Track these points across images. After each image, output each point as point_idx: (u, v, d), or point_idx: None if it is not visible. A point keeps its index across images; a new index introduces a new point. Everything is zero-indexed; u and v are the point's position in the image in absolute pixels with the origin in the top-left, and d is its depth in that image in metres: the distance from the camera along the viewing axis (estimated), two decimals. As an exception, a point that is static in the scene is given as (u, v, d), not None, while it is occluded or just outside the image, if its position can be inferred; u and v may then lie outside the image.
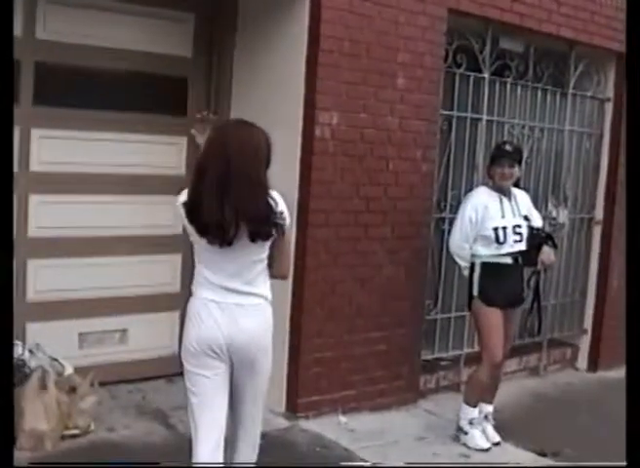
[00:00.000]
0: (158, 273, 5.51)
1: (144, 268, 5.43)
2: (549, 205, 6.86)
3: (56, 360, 4.83)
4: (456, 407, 5.58)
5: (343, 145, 5.16)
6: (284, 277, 3.62)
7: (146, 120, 5.30)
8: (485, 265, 5.06)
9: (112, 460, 4.32)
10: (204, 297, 3.37)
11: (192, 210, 3.27)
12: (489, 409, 5.32)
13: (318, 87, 4.98)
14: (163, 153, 5.39)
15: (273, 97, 5.18)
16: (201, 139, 3.74)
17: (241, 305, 3.36)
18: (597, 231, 7.36)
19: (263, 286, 3.43)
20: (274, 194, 3.35)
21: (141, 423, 4.95)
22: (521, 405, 6.13)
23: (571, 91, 6.92)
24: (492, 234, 5.01)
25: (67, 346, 5.12)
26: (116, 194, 5.25)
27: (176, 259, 5.56)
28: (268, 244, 3.36)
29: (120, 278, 5.33)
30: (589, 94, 7.15)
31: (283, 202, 3.36)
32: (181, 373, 3.48)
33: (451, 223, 5.97)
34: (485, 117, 6.23)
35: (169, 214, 5.39)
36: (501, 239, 5.01)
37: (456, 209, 5.99)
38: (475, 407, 5.21)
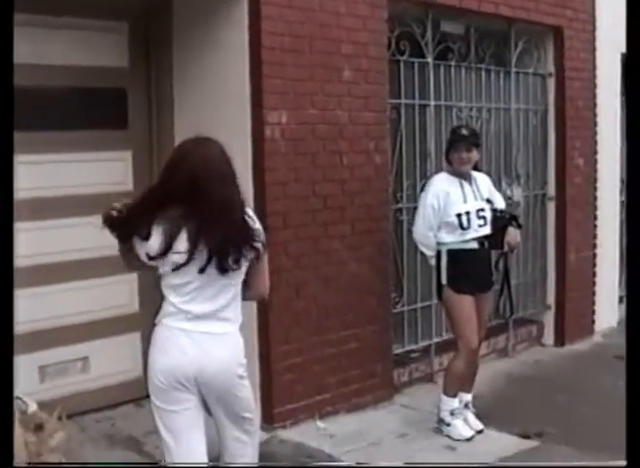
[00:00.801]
0: (114, 295, 5.29)
1: (100, 291, 5.20)
2: (503, 184, 6.81)
3: (18, 398, 4.59)
4: (431, 398, 5.56)
5: (295, 144, 5.01)
6: (262, 296, 3.46)
7: (87, 137, 5.06)
8: (451, 252, 4.97)
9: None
10: (171, 326, 3.17)
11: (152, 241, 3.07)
12: (468, 397, 5.24)
13: (264, 86, 4.82)
14: (108, 170, 5.17)
15: (218, 102, 5.00)
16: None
17: (212, 334, 3.16)
18: (551, 207, 7.35)
19: (235, 311, 3.24)
20: (250, 211, 3.20)
21: (115, 453, 4.73)
22: (496, 388, 6.07)
23: (513, 69, 6.88)
24: (455, 220, 4.92)
25: (28, 381, 4.86)
26: (63, 217, 5.01)
27: (131, 278, 5.33)
28: (245, 267, 3.18)
29: (76, 304, 5.09)
30: (531, 70, 7.13)
31: (257, 221, 3.22)
32: (149, 396, 3.27)
33: (408, 214, 5.94)
34: (432, 102, 6.14)
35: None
36: (465, 224, 4.92)
37: (412, 198, 5.97)
38: (455, 397, 5.13)
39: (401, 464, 4.70)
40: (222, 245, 3.03)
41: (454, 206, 4.93)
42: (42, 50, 4.82)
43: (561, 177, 7.23)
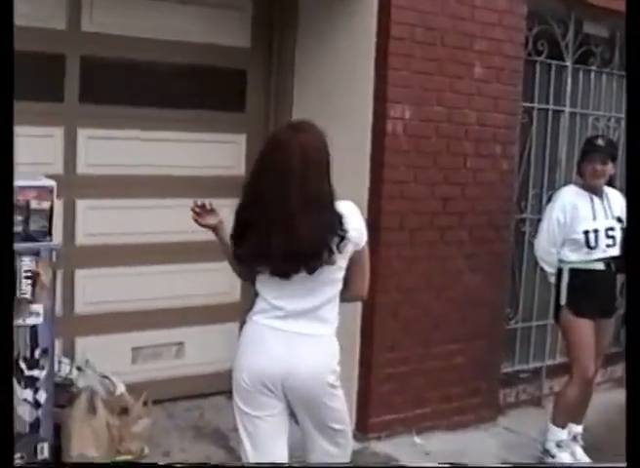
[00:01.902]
0: (216, 282, 5.10)
1: (201, 277, 5.04)
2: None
3: (106, 377, 4.47)
4: (537, 423, 5.21)
5: (417, 141, 4.72)
6: (360, 297, 3.20)
7: (202, 117, 4.91)
8: (574, 272, 4.59)
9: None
10: (261, 323, 2.97)
11: (239, 235, 2.95)
12: (578, 429, 4.86)
13: (389, 78, 4.54)
14: (221, 152, 5.00)
15: (340, 90, 4.76)
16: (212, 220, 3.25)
17: (303, 335, 2.94)
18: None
19: (332, 312, 2.99)
20: (344, 207, 2.91)
21: (199, 446, 4.58)
22: (608, 421, 5.61)
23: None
24: (582, 238, 4.54)
25: (120, 362, 4.77)
26: (170, 197, 4.86)
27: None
28: (344, 261, 2.93)
29: (175, 287, 4.95)
30: (678, 82, 6.59)
31: (357, 215, 2.95)
32: None
33: (532, 225, 5.59)
34: (568, 109, 5.75)
35: (228, 217, 5.06)
36: (593, 243, 4.53)
37: (537, 209, 5.62)
38: (564, 427, 4.75)
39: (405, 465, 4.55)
40: (313, 244, 2.80)
41: (582, 222, 4.56)
42: (162, 24, 4.68)
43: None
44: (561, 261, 4.65)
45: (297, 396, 2.96)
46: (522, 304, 5.75)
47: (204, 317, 5.10)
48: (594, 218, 4.58)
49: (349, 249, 2.90)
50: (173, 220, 4.87)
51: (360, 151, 4.59)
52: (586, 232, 4.54)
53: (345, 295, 3.04)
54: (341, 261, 2.91)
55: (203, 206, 3.17)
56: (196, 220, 3.21)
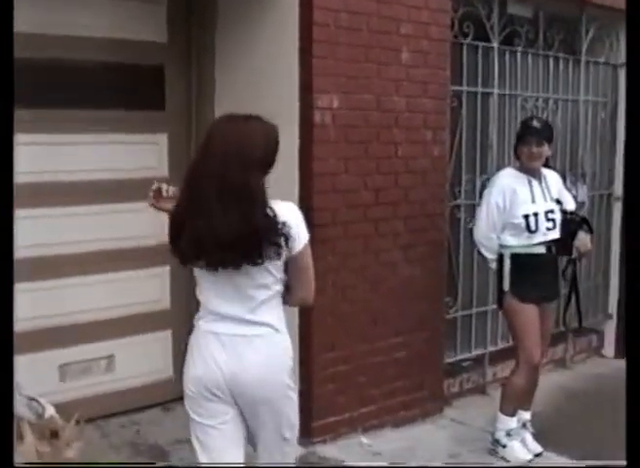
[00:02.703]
0: (145, 289, 4.88)
1: (129, 285, 4.80)
2: (568, 182, 6.26)
3: (34, 399, 4.17)
4: (484, 412, 5.17)
5: (346, 131, 4.54)
6: (305, 302, 3.03)
7: (119, 117, 4.64)
8: (516, 257, 4.49)
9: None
10: (202, 329, 2.86)
11: (172, 227, 2.81)
12: (527, 416, 4.79)
13: (315, 67, 4.35)
14: (142, 154, 4.74)
15: (264, 83, 4.55)
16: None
17: (245, 336, 2.81)
18: (617, 208, 6.82)
19: (270, 314, 2.85)
20: (281, 208, 2.76)
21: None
22: (555, 405, 5.57)
23: (583, 58, 6.37)
24: (522, 222, 4.44)
25: (48, 381, 4.48)
26: (93, 204, 4.61)
27: (164, 272, 4.94)
28: (276, 266, 2.78)
29: (102, 298, 4.70)
30: (602, 60, 6.60)
31: (293, 217, 2.79)
32: (179, 399, 3.02)
33: (466, 211, 5.50)
34: (496, 91, 5.65)
35: (152, 221, 4.80)
36: (533, 227, 4.43)
37: (471, 194, 5.52)
38: (513, 416, 4.65)
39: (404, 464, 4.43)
40: (231, 238, 2.66)
41: (521, 206, 4.45)
42: (72, 20, 4.39)
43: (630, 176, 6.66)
44: (502, 247, 4.54)
45: (246, 402, 2.83)
46: (461, 292, 5.64)
47: (134, 327, 4.85)
48: (533, 201, 4.48)
49: (281, 253, 2.75)
50: (98, 228, 4.64)
51: (288, 145, 4.26)
52: (526, 216, 4.44)
53: (289, 301, 2.94)
54: (271, 265, 2.77)
55: (159, 190, 3.08)
56: (153, 205, 3.15)
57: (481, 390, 5.75)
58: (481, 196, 5.44)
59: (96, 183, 4.59)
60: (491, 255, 4.60)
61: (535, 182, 4.53)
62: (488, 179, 5.53)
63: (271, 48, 4.52)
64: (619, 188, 6.80)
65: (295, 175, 4.42)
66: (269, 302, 2.84)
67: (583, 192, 6.42)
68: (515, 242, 4.49)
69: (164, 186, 3.08)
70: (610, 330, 6.91)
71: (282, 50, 4.46)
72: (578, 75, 6.37)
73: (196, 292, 2.95)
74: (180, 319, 4.99)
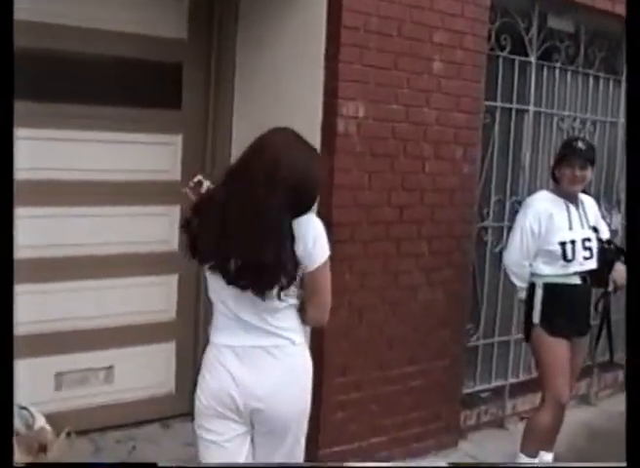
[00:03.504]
0: (150, 298, 4.63)
1: (134, 293, 4.55)
2: (602, 209, 5.96)
3: (24, 409, 3.92)
4: (501, 447, 4.92)
5: (371, 143, 4.26)
6: (317, 323, 2.87)
7: (134, 116, 4.39)
8: (548, 287, 4.19)
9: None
10: (217, 343, 2.77)
11: (191, 232, 2.70)
12: (549, 457, 4.49)
13: (341, 72, 4.07)
14: (154, 155, 4.50)
15: (286, 86, 4.28)
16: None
17: (263, 348, 2.70)
18: (651, 237, 6.46)
19: (287, 323, 2.74)
20: (301, 223, 2.64)
21: (130, 486, 4.06)
22: (577, 446, 5.24)
23: (624, 77, 6.03)
24: (558, 249, 4.14)
25: (42, 389, 4.26)
26: (100, 205, 4.36)
27: (171, 281, 4.69)
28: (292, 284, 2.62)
29: (105, 305, 4.45)
30: (645, 81, 6.25)
31: (314, 230, 2.68)
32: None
33: (494, 233, 5.21)
34: (532, 108, 5.35)
35: (163, 227, 4.59)
36: (570, 255, 4.14)
37: (499, 216, 5.23)
38: (535, 457, 4.35)
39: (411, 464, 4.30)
40: (245, 266, 2.61)
41: (557, 232, 4.16)
42: (90, 11, 4.15)
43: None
44: (534, 275, 4.25)
45: (261, 418, 2.71)
46: (484, 319, 5.33)
47: (136, 337, 4.60)
48: (570, 228, 4.19)
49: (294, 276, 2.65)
50: (104, 231, 4.40)
51: (309, 154, 4.11)
52: (563, 243, 4.15)
53: (304, 319, 2.79)
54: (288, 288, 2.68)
55: (200, 183, 2.93)
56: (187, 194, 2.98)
57: (499, 424, 5.45)
58: (510, 219, 5.19)
59: (104, 184, 4.34)
60: (521, 284, 4.31)
61: (572, 208, 4.25)
62: (518, 202, 5.29)
63: (295, 49, 4.25)
64: (654, 217, 6.47)
65: (314, 187, 4.14)
66: (285, 312, 2.72)
67: (617, 220, 6.11)
68: (549, 271, 4.20)
69: (205, 182, 2.92)
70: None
71: (306, 52, 4.19)
72: (617, 96, 6.07)
73: (208, 292, 2.82)
74: (186, 331, 4.76)
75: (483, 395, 5.43)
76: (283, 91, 4.29)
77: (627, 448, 2.39)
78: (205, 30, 4.56)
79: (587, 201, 4.37)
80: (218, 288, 2.73)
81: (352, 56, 4.11)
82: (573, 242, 4.16)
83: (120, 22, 4.26)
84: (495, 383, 5.45)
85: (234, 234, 2.57)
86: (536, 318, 4.22)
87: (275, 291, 2.62)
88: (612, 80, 6.00)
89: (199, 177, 2.95)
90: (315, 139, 4.12)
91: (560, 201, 4.25)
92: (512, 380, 5.52)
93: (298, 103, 4.20)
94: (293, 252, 2.59)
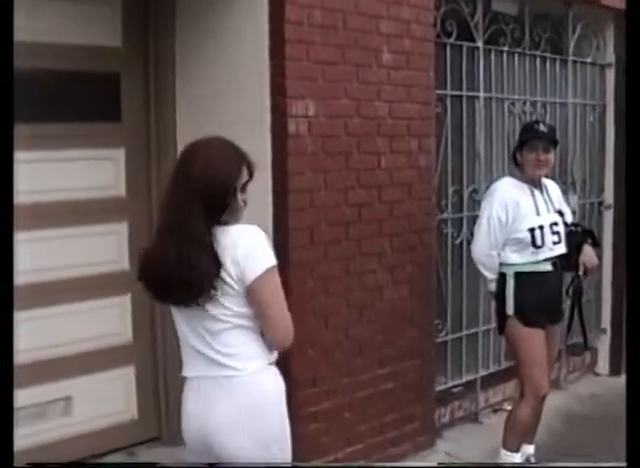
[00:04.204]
0: (104, 322, 4.38)
1: (86, 317, 4.29)
2: (560, 191, 5.89)
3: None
4: (479, 443, 4.84)
5: (324, 141, 4.09)
6: (276, 345, 2.58)
7: (70, 131, 4.14)
8: (520, 275, 4.06)
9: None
10: (184, 375, 2.63)
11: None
12: (530, 449, 4.42)
13: (288, 69, 3.89)
14: (96, 171, 4.25)
15: (230, 89, 4.08)
16: None
17: (212, 379, 2.51)
18: (608, 216, 6.43)
19: (241, 348, 2.51)
20: (231, 231, 2.47)
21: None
22: (553, 431, 5.15)
23: (570, 57, 5.97)
24: (528, 236, 4.02)
25: (-5, 427, 3.97)
26: (43, 228, 4.10)
27: (124, 302, 4.45)
28: (230, 299, 2.46)
29: (57, 334, 4.18)
30: (589, 60, 6.22)
31: (249, 241, 2.46)
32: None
33: (453, 225, 5.07)
34: (482, 94, 5.24)
35: (111, 246, 4.35)
36: (539, 242, 4.02)
37: (457, 207, 5.11)
38: (517, 451, 4.22)
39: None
40: (170, 278, 2.46)
41: (525, 219, 4.04)
42: (19, 23, 3.87)
43: (620, 182, 6.28)
44: (503, 265, 4.13)
45: (217, 457, 2.53)
46: (450, 313, 5.21)
47: (93, 364, 4.34)
48: (538, 214, 4.08)
49: (231, 283, 2.44)
50: (50, 255, 4.13)
51: (259, 159, 3.84)
52: (532, 230, 4.03)
53: (267, 342, 2.56)
54: (222, 295, 2.45)
55: None
56: None
57: (473, 418, 5.37)
58: (469, 209, 5.08)
59: (44, 205, 4.07)
60: (491, 275, 4.17)
61: (537, 193, 4.13)
62: (475, 191, 5.17)
63: (238, 49, 4.05)
64: (609, 196, 6.43)
65: (268, 191, 3.95)
66: (232, 335, 2.50)
67: (574, 201, 6.02)
68: (519, 259, 4.07)
69: None
70: (604, 346, 6.54)
71: (250, 51, 3.99)
72: (565, 76, 6.00)
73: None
74: (145, 353, 4.54)
75: (455, 390, 5.31)
76: (228, 93, 4.09)
77: (627, 448, 2.35)
78: (140, 36, 4.32)
79: (550, 185, 4.26)
80: (174, 315, 2.60)
81: (298, 52, 3.93)
82: (541, 227, 4.04)
83: (49, 33, 4.00)
84: (466, 377, 5.34)
85: (161, 251, 2.46)
86: (509, 309, 4.09)
87: (209, 307, 2.45)
88: (558, 60, 5.92)
89: None
90: (265, 142, 3.96)
91: (524, 186, 4.13)
92: (483, 373, 5.43)
93: (245, 105, 4.00)
94: (213, 259, 2.40)
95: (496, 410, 5.50)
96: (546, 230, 4.05)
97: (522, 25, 5.55)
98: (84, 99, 4.21)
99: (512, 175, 4.28)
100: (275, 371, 2.61)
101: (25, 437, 4.08)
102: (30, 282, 4.05)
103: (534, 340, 4.05)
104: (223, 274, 2.41)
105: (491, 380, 5.47)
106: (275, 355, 2.61)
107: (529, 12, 5.56)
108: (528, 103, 5.67)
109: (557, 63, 5.90)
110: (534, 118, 5.35)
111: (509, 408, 5.42)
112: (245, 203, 2.54)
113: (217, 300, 2.45)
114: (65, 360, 4.23)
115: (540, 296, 4.05)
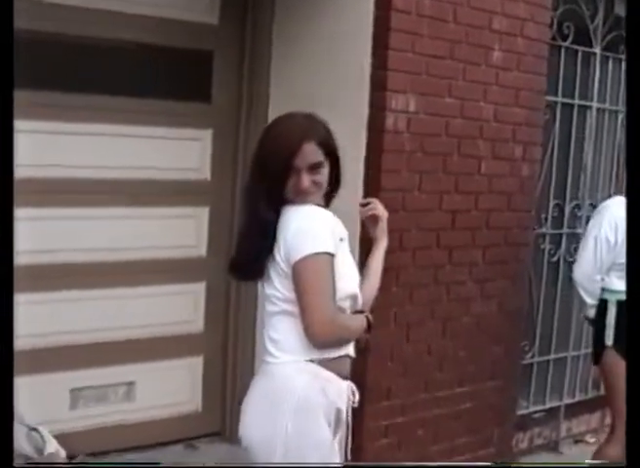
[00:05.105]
0: (176, 308, 4.22)
1: (158, 302, 4.13)
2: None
3: (35, 429, 3.53)
4: None
5: (423, 140, 3.84)
6: (313, 340, 2.33)
7: (158, 108, 3.98)
8: (623, 304, 3.72)
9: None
10: None
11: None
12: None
13: (390, 61, 3.65)
14: (181, 152, 4.09)
15: (328, 77, 3.86)
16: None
17: (263, 363, 2.46)
18: None
19: (283, 335, 2.38)
20: (291, 213, 2.35)
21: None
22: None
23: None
24: None
25: (56, 407, 3.87)
26: (120, 206, 3.96)
27: (198, 290, 4.29)
28: (281, 280, 2.36)
29: (125, 316, 4.04)
30: None
31: (300, 223, 2.32)
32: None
33: (552, 241, 4.75)
34: (595, 104, 4.89)
35: (189, 230, 4.18)
36: None
37: (558, 223, 4.78)
38: (599, 492, 3.88)
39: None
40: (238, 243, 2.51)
41: None
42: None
43: None
44: (605, 291, 3.80)
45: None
46: (539, 335, 4.89)
47: (160, 351, 4.19)
48: None
49: (280, 263, 2.34)
50: (124, 234, 4.00)
51: (353, 152, 3.65)
52: None
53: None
54: (276, 277, 2.37)
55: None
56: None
57: (553, 447, 5.05)
58: (570, 225, 4.78)
59: (122, 182, 3.93)
60: (591, 301, 3.85)
61: (650, 214, 3.78)
62: (578, 206, 4.85)
63: (338, 36, 3.82)
64: None
65: (359, 189, 3.71)
66: (279, 319, 2.40)
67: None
68: (624, 286, 3.74)
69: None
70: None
71: (351, 39, 3.76)
72: (686, 92, 5.57)
73: None
74: (215, 344, 4.38)
75: (536, 416, 4.99)
76: (325, 82, 3.86)
77: (627, 448, 2.27)
78: (238, 14, 4.13)
79: None
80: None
81: (403, 43, 3.68)
82: None
83: (140, 5, 3.85)
84: (549, 404, 5.02)
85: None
86: (609, 340, 3.77)
87: (267, 287, 2.40)
88: (680, 74, 5.51)
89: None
90: (361, 136, 3.74)
91: None
92: (568, 400, 5.11)
93: (341, 95, 3.78)
94: (265, 237, 2.35)
95: (577, 441, 5.18)
96: None
97: (644, 34, 5.17)
98: (174, 77, 4.06)
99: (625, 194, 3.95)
100: (314, 371, 2.37)
101: (85, 419, 4.00)
102: (109, 260, 3.96)
103: None
104: (276, 253, 2.33)
105: (575, 409, 5.15)
106: (327, 353, 2.39)
107: (655, 19, 5.18)
108: (644, 118, 5.29)
109: (678, 78, 5.50)
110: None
111: (592, 440, 5.16)
112: (318, 185, 2.38)
113: (271, 281, 2.38)
114: (132, 343, 4.09)
115: None
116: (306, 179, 2.34)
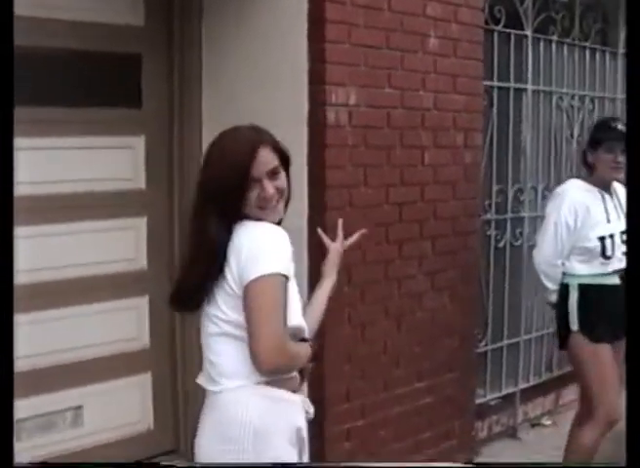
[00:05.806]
0: (119, 325, 4.03)
1: (99, 320, 3.93)
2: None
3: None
4: (519, 460, 4.50)
5: (365, 133, 3.72)
6: (258, 365, 2.16)
7: (85, 116, 3.78)
8: (585, 288, 3.69)
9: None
10: None
11: None
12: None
13: (328, 53, 3.52)
14: (113, 161, 3.89)
15: (263, 74, 3.72)
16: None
17: (205, 390, 2.33)
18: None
19: (225, 359, 2.24)
20: (242, 230, 2.20)
21: None
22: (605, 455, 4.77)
23: (621, 50, 5.60)
24: (597, 246, 3.67)
25: (-1, 440, 3.62)
26: (52, 222, 3.74)
27: (141, 304, 4.10)
28: (226, 300, 2.21)
29: (66, 338, 3.83)
30: (640, 53, 5.81)
31: (253, 243, 2.17)
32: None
33: (497, 227, 4.69)
34: (530, 87, 4.86)
35: (128, 243, 3.99)
36: (609, 252, 3.66)
37: (503, 208, 4.74)
38: (579, 481, 3.84)
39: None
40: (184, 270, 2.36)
41: (596, 226, 3.68)
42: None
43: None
44: (566, 275, 3.76)
45: None
46: (491, 322, 4.84)
47: (106, 371, 3.99)
48: (608, 221, 3.70)
49: (230, 283, 2.19)
50: (60, 251, 3.79)
51: (294, 150, 3.48)
52: (602, 238, 3.67)
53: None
54: (221, 295, 2.22)
55: None
56: None
57: (511, 434, 5.02)
58: (514, 210, 4.74)
59: (53, 197, 3.72)
60: (552, 286, 3.81)
61: (607, 197, 3.76)
62: (520, 190, 4.82)
63: (273, 31, 3.68)
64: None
65: (303, 187, 3.58)
66: (221, 342, 2.25)
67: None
68: (586, 270, 3.71)
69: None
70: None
71: (286, 33, 3.63)
72: (614, 70, 5.62)
73: None
74: (162, 359, 4.20)
75: (493, 403, 4.95)
76: (260, 80, 3.72)
77: (627, 448, 2.23)
78: (165, 15, 3.95)
79: (619, 188, 3.87)
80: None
81: (340, 34, 3.56)
82: (612, 236, 3.68)
83: (67, 10, 3.65)
84: (505, 390, 5.00)
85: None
86: (574, 324, 3.72)
87: (208, 305, 2.25)
88: (608, 53, 5.55)
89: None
90: (302, 132, 3.60)
91: (594, 190, 3.77)
92: (523, 385, 5.09)
93: (278, 93, 3.64)
94: (213, 257, 2.20)
95: (534, 425, 5.16)
96: (617, 239, 3.69)
97: (572, 15, 5.19)
98: (101, 83, 3.85)
99: (581, 176, 3.90)
100: (267, 394, 2.23)
101: (31, 449, 3.78)
102: (38, 281, 3.72)
103: (602, 358, 3.70)
104: (227, 273, 2.18)
105: (530, 393, 5.15)
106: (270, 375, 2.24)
107: (580, 0, 5.18)
108: (577, 98, 5.30)
109: (607, 56, 5.54)
110: (613, 115, 4.97)
111: (548, 423, 5.14)
112: (281, 192, 2.26)
113: (215, 300, 2.23)
114: (75, 366, 3.88)
115: (608, 311, 3.69)
116: (270, 186, 2.20)
